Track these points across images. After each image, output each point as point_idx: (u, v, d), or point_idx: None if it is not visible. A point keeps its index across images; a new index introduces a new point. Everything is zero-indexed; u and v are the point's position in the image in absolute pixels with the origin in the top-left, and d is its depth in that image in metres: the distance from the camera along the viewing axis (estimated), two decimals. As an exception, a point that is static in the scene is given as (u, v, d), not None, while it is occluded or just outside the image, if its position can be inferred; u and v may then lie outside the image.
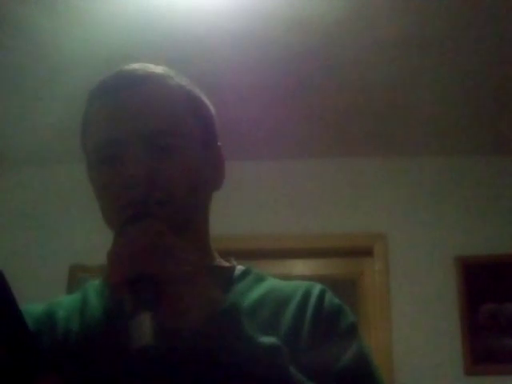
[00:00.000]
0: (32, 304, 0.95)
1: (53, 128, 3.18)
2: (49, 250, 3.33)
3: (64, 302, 0.92)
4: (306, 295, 0.87)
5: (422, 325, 3.11)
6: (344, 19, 2.41)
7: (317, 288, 0.89)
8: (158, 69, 0.90)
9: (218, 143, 0.95)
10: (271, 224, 3.34)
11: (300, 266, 3.35)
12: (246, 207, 3.35)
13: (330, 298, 0.89)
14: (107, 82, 0.88)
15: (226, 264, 0.96)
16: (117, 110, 0.84)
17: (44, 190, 3.52)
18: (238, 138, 3.04)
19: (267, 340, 0.72)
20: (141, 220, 0.75)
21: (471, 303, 3.13)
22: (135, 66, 0.89)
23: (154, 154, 0.82)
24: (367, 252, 3.31)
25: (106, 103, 0.86)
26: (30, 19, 2.40)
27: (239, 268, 0.95)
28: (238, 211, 3.28)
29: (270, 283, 0.92)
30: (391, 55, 2.63)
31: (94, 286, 0.92)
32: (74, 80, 2.76)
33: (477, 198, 3.33)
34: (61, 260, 3.28)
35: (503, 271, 3.18)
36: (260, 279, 0.93)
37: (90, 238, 3.32)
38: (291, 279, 0.95)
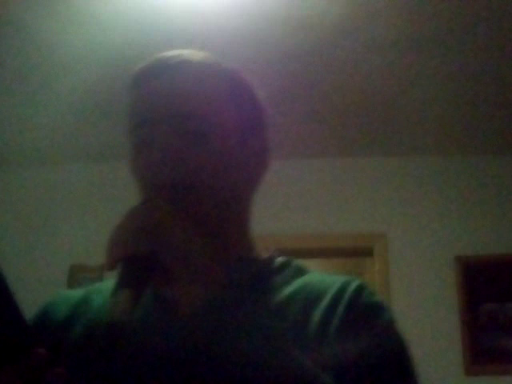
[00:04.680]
0: (71, 289, 0.95)
1: (53, 128, 3.18)
2: (49, 250, 3.34)
3: (102, 288, 0.91)
4: (341, 291, 0.81)
5: (422, 325, 3.11)
6: (344, 19, 2.41)
7: (353, 284, 0.83)
8: (196, 55, 0.89)
9: (265, 134, 0.92)
10: (271, 224, 3.33)
11: (300, 266, 3.35)
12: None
13: (368, 295, 0.82)
14: (143, 69, 0.87)
15: (264, 256, 0.93)
16: (150, 94, 0.83)
17: (44, 189, 3.52)
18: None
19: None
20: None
21: (471, 303, 3.13)
22: (172, 52, 0.88)
23: (183, 138, 0.80)
24: (367, 252, 3.31)
25: (141, 89, 0.85)
26: (30, 19, 2.40)
27: (278, 260, 0.92)
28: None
29: (308, 278, 0.87)
30: (391, 55, 2.63)
31: None
32: (74, 80, 2.76)
33: (477, 198, 3.34)
34: (61, 260, 3.28)
35: (503, 271, 3.18)
36: (299, 273, 0.89)
37: (90, 238, 3.33)
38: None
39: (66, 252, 3.31)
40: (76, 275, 3.23)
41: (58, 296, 0.92)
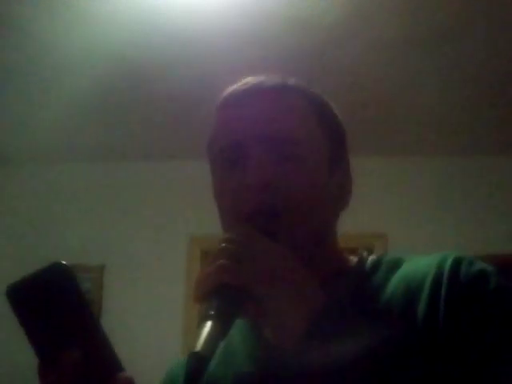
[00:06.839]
0: None
1: (53, 128, 3.18)
2: (48, 250, 3.33)
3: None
4: (439, 274, 0.75)
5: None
6: (344, 19, 2.41)
7: (449, 260, 0.76)
8: (281, 80, 0.89)
9: (347, 160, 0.91)
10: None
11: (300, 266, 3.35)
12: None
13: (467, 267, 0.75)
14: (236, 90, 0.86)
15: (354, 262, 0.90)
16: (242, 116, 0.81)
17: (44, 189, 3.52)
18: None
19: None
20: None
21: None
22: (260, 78, 0.88)
23: (275, 162, 0.78)
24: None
25: (233, 110, 0.83)
26: (29, 19, 2.40)
27: (370, 260, 0.88)
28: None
29: (404, 270, 0.81)
30: (391, 55, 2.63)
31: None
32: (73, 80, 2.76)
33: (477, 198, 3.33)
34: (60, 259, 3.27)
35: (503, 271, 3.17)
36: (393, 267, 0.83)
37: (89, 238, 3.33)
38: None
39: (66, 252, 3.30)
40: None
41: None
